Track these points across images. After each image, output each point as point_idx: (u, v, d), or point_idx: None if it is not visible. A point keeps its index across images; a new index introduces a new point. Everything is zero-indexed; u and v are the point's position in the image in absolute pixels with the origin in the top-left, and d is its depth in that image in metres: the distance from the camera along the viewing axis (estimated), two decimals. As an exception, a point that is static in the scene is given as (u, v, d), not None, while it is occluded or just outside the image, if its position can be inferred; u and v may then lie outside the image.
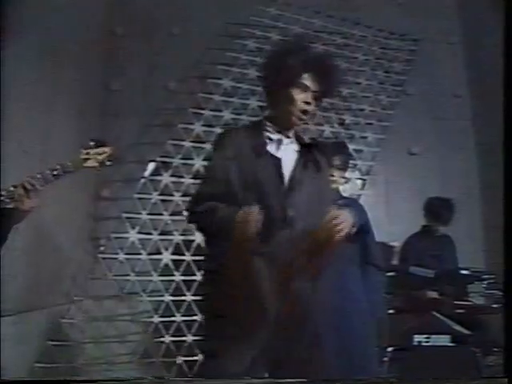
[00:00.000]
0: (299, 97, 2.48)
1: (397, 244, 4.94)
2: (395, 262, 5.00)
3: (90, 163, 2.62)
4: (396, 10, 5.73)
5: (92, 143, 2.64)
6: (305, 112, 2.50)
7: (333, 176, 3.74)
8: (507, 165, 2.48)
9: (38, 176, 2.51)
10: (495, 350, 4.63)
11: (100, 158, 2.64)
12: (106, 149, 2.66)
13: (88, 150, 2.63)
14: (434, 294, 4.69)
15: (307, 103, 2.49)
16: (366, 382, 1.97)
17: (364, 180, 5.46)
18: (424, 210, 4.96)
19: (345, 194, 4.15)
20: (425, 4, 5.80)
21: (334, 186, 3.77)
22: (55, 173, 2.53)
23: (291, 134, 2.58)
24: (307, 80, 2.48)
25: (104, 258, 4.62)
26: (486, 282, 4.69)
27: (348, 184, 5.42)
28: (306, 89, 2.49)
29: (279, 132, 2.55)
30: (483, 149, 5.93)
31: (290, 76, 2.46)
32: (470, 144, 5.97)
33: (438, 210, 4.88)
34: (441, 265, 4.76)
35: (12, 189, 2.47)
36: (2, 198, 2.45)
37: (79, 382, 1.88)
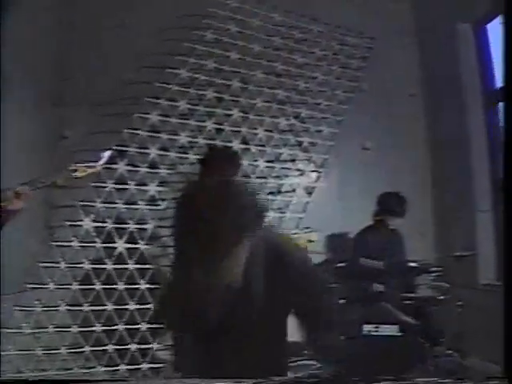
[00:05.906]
0: None
1: None
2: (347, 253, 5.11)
3: (77, 173, 2.85)
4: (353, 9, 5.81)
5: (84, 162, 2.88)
6: None
7: None
8: (507, 166, 2.57)
9: (29, 182, 2.74)
10: (441, 340, 4.78)
11: (88, 170, 2.86)
12: (96, 165, 2.89)
13: (77, 165, 2.84)
14: (380, 288, 4.80)
15: None
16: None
17: (319, 172, 5.55)
18: (377, 205, 5.07)
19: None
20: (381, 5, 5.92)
21: None
22: (44, 181, 2.80)
23: None
24: None
25: (58, 246, 4.58)
26: (433, 275, 4.82)
27: (303, 176, 5.54)
28: None
29: None
30: (433, 146, 6.09)
31: None
32: (421, 141, 6.11)
33: (390, 204, 4.98)
34: (390, 257, 4.88)
35: (4, 191, 2.66)
36: None
37: (79, 381, 1.90)
